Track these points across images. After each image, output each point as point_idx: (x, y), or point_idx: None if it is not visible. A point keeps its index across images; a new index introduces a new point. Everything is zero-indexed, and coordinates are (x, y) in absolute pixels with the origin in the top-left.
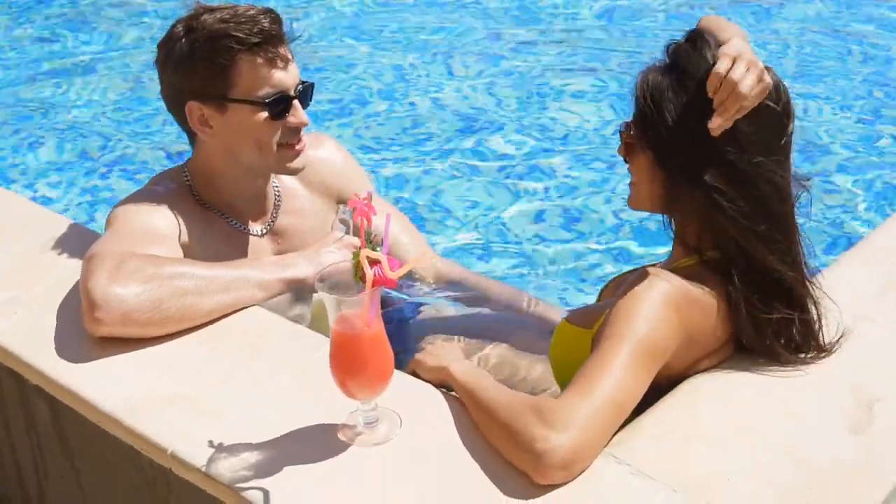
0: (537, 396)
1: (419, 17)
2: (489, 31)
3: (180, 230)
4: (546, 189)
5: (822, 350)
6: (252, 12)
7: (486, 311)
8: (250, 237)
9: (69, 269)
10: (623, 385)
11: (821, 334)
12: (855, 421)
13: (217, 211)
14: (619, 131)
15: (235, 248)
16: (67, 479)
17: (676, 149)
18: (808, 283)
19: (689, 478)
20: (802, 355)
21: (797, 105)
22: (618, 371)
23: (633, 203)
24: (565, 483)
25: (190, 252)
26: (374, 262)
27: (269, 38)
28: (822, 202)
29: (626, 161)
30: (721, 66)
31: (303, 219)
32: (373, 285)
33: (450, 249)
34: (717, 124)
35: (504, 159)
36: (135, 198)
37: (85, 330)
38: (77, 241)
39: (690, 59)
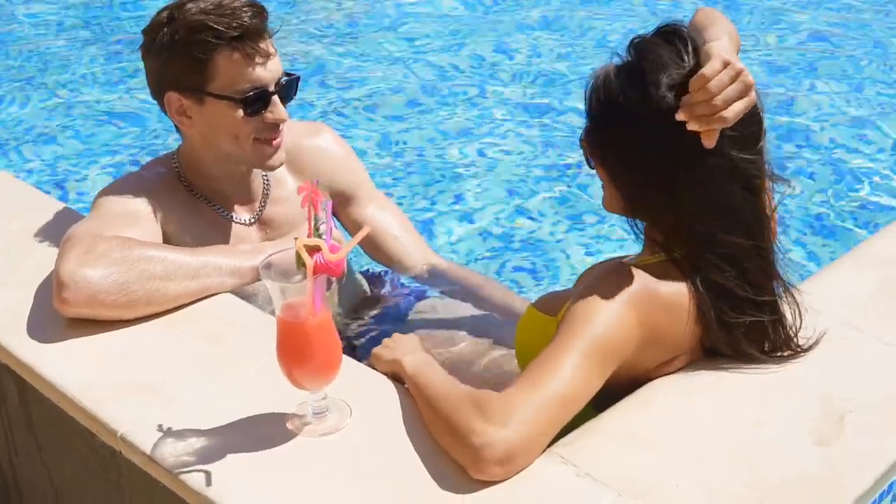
0: (481, 390)
1: None
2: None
3: (163, 215)
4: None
5: (797, 351)
6: (236, 4)
7: (478, 311)
8: (238, 226)
9: (54, 252)
10: (570, 383)
11: (795, 334)
12: (822, 432)
13: (204, 199)
14: (580, 139)
15: (221, 236)
16: (33, 457)
17: (627, 157)
18: (778, 285)
19: (636, 483)
20: (778, 355)
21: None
22: (566, 368)
23: (605, 206)
24: (504, 480)
25: (173, 238)
26: (316, 250)
27: (249, 32)
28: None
29: (590, 168)
30: (708, 69)
31: (291, 208)
32: (314, 273)
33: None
34: (681, 117)
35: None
36: (120, 182)
37: (55, 311)
38: (67, 225)
39: (656, 56)
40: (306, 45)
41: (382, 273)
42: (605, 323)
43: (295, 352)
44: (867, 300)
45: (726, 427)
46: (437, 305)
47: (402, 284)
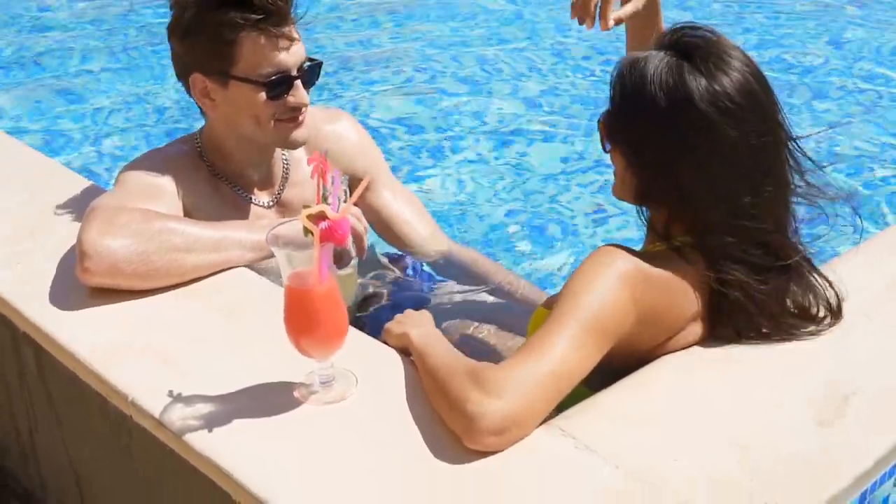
0: (480, 362)
1: None
2: None
3: (184, 191)
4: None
5: (834, 315)
6: None
7: (492, 298)
8: (257, 208)
9: (76, 225)
10: (566, 358)
11: (830, 297)
12: (823, 415)
13: (225, 179)
14: (598, 121)
15: (240, 216)
16: (51, 427)
17: (649, 143)
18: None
19: (634, 457)
20: (815, 323)
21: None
22: (562, 344)
23: (615, 193)
24: (497, 450)
25: (193, 215)
26: (321, 218)
27: (274, 15)
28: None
29: (605, 152)
30: None
31: (310, 191)
32: (320, 240)
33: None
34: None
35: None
36: (145, 157)
37: (78, 280)
38: (89, 199)
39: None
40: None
41: (401, 258)
42: (599, 301)
43: (302, 320)
44: (878, 289)
45: (726, 406)
46: (453, 292)
47: (420, 269)
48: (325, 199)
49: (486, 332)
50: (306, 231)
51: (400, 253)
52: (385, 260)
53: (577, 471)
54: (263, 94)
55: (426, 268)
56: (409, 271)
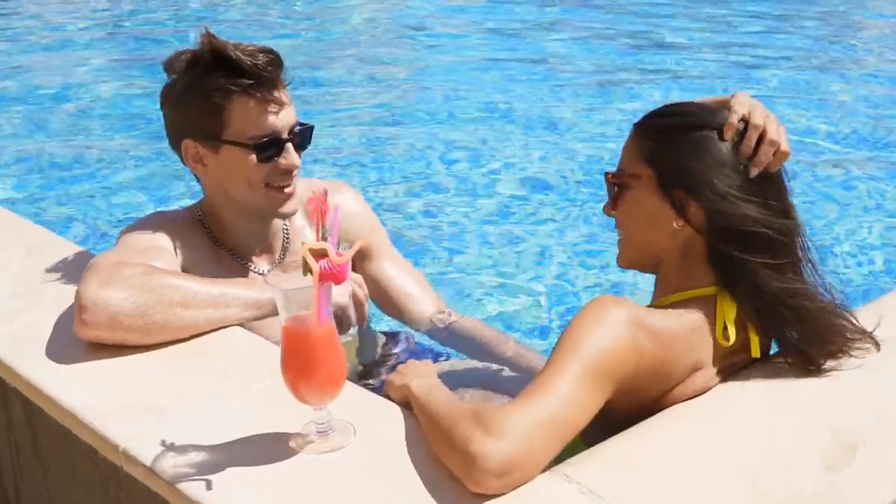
0: (482, 406)
1: None
2: None
3: (184, 254)
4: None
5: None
6: (251, 49)
7: (494, 366)
8: (257, 276)
9: (72, 286)
10: (569, 402)
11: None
12: (832, 462)
13: (224, 247)
14: (616, 179)
15: None
16: (37, 480)
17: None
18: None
19: (639, 503)
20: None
21: None
22: (564, 387)
23: (625, 262)
24: (500, 493)
25: None
26: (322, 256)
27: (264, 80)
28: None
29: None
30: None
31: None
32: (320, 279)
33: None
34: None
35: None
36: (145, 219)
37: (75, 335)
38: (84, 264)
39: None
40: None
41: (399, 332)
42: (600, 347)
43: (300, 363)
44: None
45: (734, 454)
46: (454, 362)
47: (419, 343)
48: (324, 239)
49: (489, 403)
50: (305, 269)
51: (399, 326)
52: (384, 334)
53: None
54: (254, 157)
55: (426, 340)
56: (406, 344)
